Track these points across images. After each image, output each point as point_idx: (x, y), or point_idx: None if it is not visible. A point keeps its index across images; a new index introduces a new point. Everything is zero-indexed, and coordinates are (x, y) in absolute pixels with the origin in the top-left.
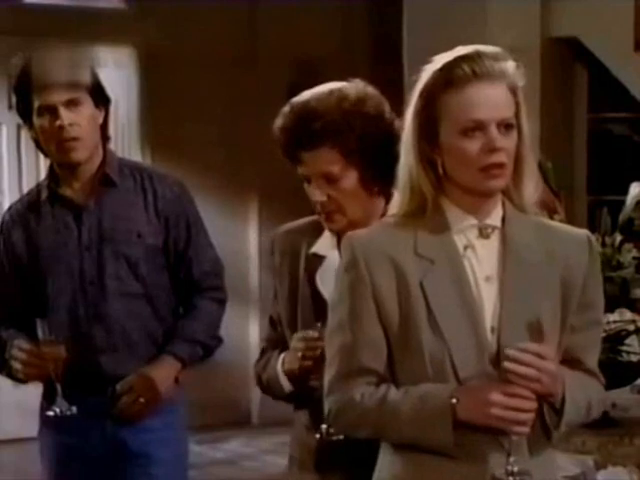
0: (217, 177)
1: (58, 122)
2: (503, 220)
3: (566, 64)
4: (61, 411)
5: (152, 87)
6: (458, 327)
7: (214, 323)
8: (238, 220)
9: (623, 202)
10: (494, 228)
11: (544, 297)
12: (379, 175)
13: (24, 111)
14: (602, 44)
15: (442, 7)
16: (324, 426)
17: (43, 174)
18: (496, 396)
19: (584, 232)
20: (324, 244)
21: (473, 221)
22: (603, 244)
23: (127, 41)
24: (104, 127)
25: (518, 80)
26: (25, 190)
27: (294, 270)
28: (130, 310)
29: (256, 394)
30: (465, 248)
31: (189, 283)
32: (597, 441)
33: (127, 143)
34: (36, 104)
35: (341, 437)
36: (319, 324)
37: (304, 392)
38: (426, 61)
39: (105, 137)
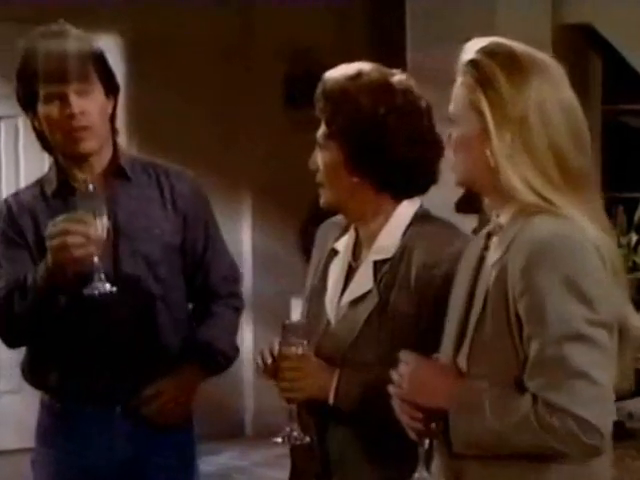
0: (208, 173)
1: (68, 110)
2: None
3: (579, 53)
4: (99, 291)
5: (139, 78)
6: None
7: (233, 332)
8: (230, 219)
9: (639, 200)
10: None
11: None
12: (362, 163)
13: (27, 98)
14: (617, 31)
15: None
16: (287, 429)
17: (22, 163)
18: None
19: (531, 236)
20: (344, 240)
21: None
22: (618, 244)
23: (113, 29)
24: (112, 118)
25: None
26: (4, 182)
27: (319, 264)
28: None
29: (250, 403)
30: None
31: (206, 289)
32: (613, 454)
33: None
34: (43, 91)
35: (305, 440)
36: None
37: None
38: (432, 52)
39: (114, 129)
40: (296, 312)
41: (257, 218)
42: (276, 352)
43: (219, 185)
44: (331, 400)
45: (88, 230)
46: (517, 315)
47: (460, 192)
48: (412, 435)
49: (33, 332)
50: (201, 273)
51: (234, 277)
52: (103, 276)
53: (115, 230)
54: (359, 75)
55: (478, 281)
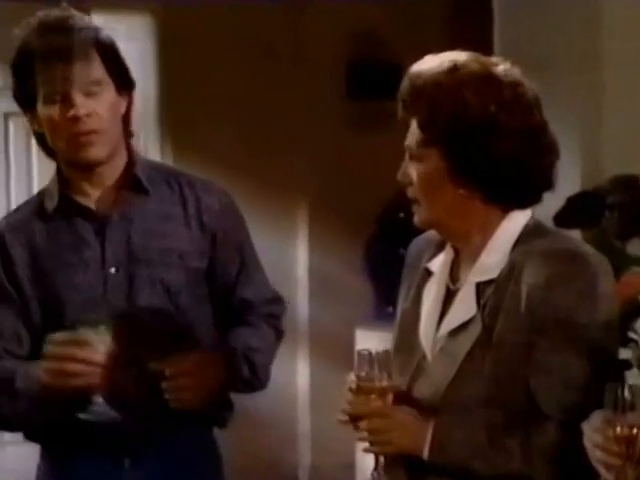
0: (256, 180)
1: (72, 112)
2: None
3: None
4: (98, 418)
5: (173, 65)
6: None
7: (270, 353)
8: (283, 235)
9: None
10: None
11: None
12: (471, 171)
13: (25, 97)
14: None
15: None
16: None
17: (35, 167)
18: None
19: None
20: (439, 259)
21: None
22: None
23: (142, 7)
24: (127, 119)
25: None
26: (13, 188)
27: (410, 287)
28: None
29: (305, 457)
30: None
31: (239, 312)
32: None
33: (142, 137)
34: (43, 89)
35: None
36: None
37: None
38: (523, 40)
39: (128, 132)
40: (361, 345)
41: (314, 234)
42: (353, 387)
43: (269, 195)
44: (425, 455)
45: (92, 356)
46: None
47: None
48: None
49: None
50: (233, 300)
51: (277, 300)
52: (101, 400)
53: (130, 254)
54: (456, 67)
55: None
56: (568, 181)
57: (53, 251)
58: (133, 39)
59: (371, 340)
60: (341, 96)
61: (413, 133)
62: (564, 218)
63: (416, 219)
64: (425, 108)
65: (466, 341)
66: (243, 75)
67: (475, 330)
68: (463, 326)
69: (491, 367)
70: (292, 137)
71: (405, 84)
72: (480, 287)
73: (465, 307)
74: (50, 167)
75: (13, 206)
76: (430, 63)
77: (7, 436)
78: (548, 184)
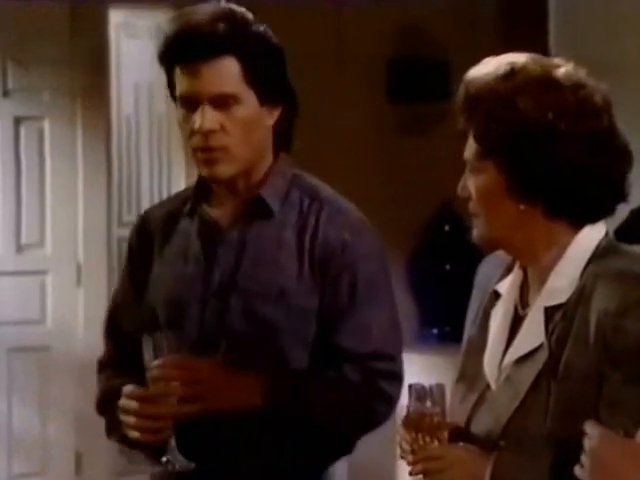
0: None
1: (197, 125)
2: None
3: None
4: (172, 465)
5: None
6: None
7: (360, 401)
8: None
9: None
10: None
11: None
12: (530, 185)
13: (171, 92)
14: None
15: None
16: None
17: (49, 177)
18: None
19: None
20: (508, 281)
21: None
22: None
23: (166, 4)
24: (278, 129)
25: None
26: (24, 195)
27: (478, 310)
28: None
29: None
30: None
31: (336, 361)
32: None
33: (165, 142)
34: (177, 90)
35: None
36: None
37: None
38: (578, 36)
39: (278, 143)
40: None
41: None
42: (404, 423)
43: None
44: None
45: (158, 411)
46: None
47: None
48: None
49: None
50: (328, 349)
51: (376, 357)
52: (174, 451)
53: (232, 281)
54: (512, 72)
55: None
56: (632, 193)
57: (164, 256)
58: (156, 37)
59: (413, 364)
60: (382, 99)
61: (470, 145)
62: (627, 232)
63: (475, 234)
64: (479, 118)
65: (531, 371)
66: None
67: (541, 359)
68: (530, 354)
69: (556, 400)
70: (330, 143)
71: (460, 92)
72: (549, 312)
73: (532, 334)
74: (64, 172)
75: (24, 212)
76: (486, 68)
77: (15, 469)
78: (619, 194)
